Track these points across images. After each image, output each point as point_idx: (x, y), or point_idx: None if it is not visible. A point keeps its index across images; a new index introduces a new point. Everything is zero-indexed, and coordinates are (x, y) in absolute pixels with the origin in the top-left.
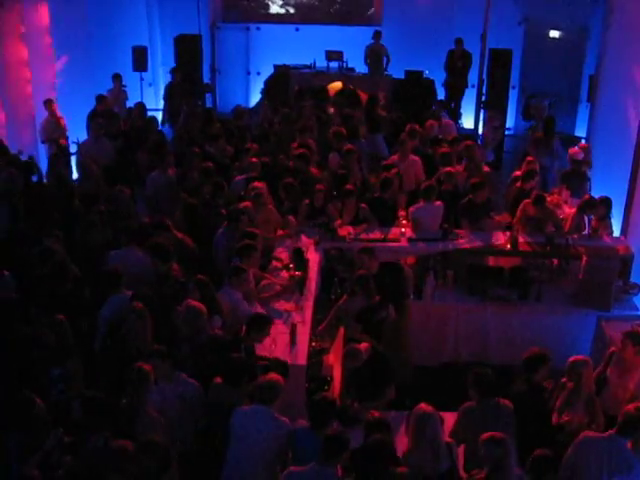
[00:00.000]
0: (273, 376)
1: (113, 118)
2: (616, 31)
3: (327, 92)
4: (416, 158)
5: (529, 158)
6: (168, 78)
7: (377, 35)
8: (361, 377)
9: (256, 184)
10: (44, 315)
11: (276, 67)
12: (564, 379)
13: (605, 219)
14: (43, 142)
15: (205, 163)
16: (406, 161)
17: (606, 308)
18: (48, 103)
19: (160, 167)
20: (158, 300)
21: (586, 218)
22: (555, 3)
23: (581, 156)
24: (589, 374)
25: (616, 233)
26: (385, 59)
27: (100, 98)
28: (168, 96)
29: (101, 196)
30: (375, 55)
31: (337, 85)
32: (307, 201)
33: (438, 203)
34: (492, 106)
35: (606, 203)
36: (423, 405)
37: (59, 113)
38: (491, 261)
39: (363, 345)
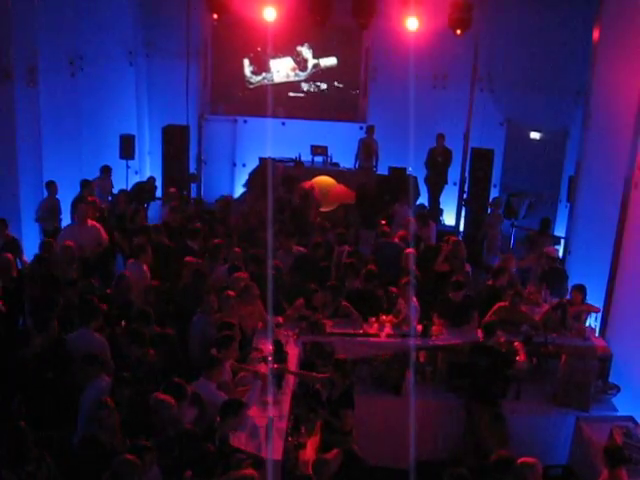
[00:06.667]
0: (249, 471)
1: (94, 207)
2: (595, 133)
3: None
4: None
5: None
6: (154, 166)
7: (370, 130)
8: None
9: (239, 274)
10: None
11: (261, 160)
12: None
13: (582, 304)
14: (37, 220)
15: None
16: None
17: (585, 408)
18: (51, 185)
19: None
20: (134, 385)
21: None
22: (536, 105)
23: (557, 254)
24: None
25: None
26: (374, 155)
27: (85, 183)
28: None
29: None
30: (367, 148)
31: (323, 180)
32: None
33: (415, 299)
34: (473, 203)
35: (579, 290)
36: None
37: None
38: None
39: (332, 453)
